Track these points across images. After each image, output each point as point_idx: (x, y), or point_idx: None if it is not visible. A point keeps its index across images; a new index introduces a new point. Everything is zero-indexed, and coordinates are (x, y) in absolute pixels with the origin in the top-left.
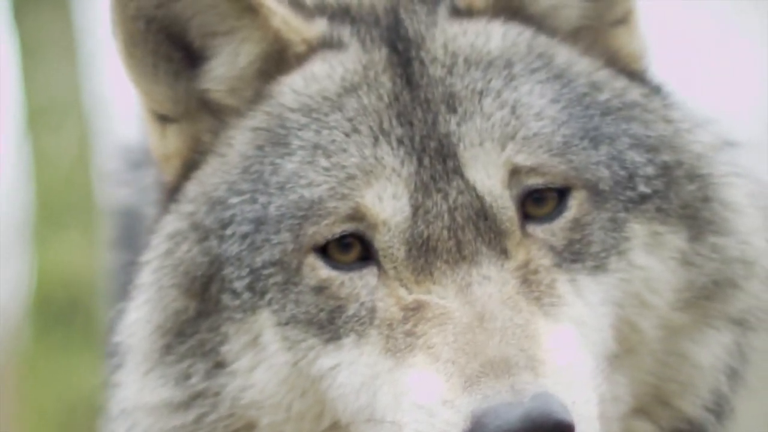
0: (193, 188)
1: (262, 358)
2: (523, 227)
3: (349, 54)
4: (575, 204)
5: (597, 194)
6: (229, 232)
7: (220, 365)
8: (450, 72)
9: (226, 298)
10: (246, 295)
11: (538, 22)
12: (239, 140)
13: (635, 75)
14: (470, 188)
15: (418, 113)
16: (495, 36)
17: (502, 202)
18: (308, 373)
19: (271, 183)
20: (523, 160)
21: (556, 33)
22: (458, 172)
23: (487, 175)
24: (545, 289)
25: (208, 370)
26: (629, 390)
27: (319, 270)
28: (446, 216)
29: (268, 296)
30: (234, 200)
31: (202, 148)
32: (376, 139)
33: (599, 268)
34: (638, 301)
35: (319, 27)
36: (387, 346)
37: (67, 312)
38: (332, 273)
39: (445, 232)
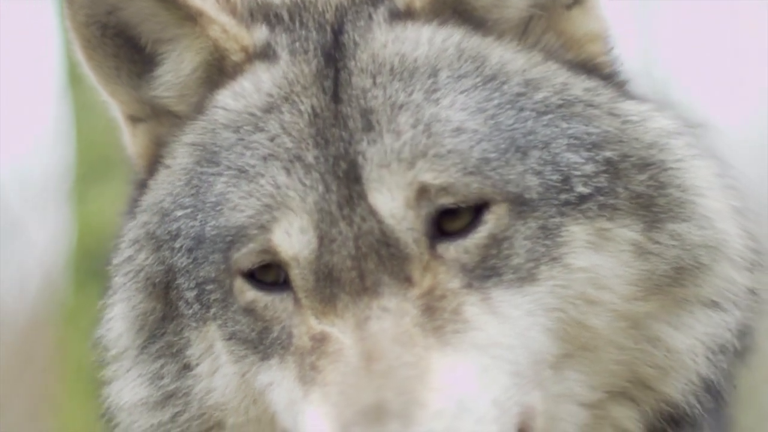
0: (148, 197)
1: (218, 365)
2: (432, 248)
3: (278, 66)
4: (492, 219)
5: (522, 204)
6: (177, 244)
7: (187, 367)
8: (374, 84)
9: (183, 306)
10: (196, 306)
11: (481, 18)
12: (180, 152)
13: (585, 65)
14: (373, 213)
15: (336, 131)
16: (422, 42)
17: (406, 224)
18: (254, 385)
19: (206, 201)
20: (432, 179)
21: (499, 28)
22: (363, 196)
23: (391, 197)
24: (449, 315)
25: (178, 371)
26: (592, 382)
27: (246, 292)
28: (351, 244)
29: (212, 311)
30: (179, 213)
31: (163, 152)
32: (291, 163)
33: (526, 279)
34: (584, 301)
35: (259, 35)
36: (299, 375)
37: (107, 265)
38: (258, 294)
39: (349, 262)
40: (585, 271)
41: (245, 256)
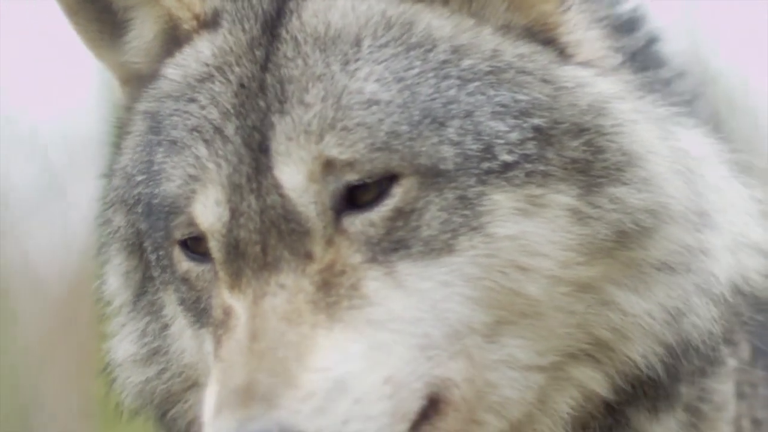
0: (119, 160)
1: (183, 326)
2: (337, 223)
3: (218, 35)
4: (399, 192)
5: (437, 176)
6: (139, 209)
7: (166, 326)
8: (298, 53)
9: (152, 268)
10: (158, 270)
11: None
12: (137, 119)
13: (531, 28)
14: (278, 186)
15: (258, 102)
16: (349, 10)
17: (308, 198)
18: (203, 350)
19: (152, 170)
20: (338, 153)
21: None
22: (270, 169)
23: (296, 170)
24: (346, 291)
25: (160, 329)
26: (539, 347)
27: (182, 262)
28: (257, 218)
29: (166, 275)
30: (138, 179)
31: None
32: (213, 134)
33: (442, 250)
34: (515, 268)
35: (210, 3)
36: (214, 347)
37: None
38: (190, 264)
39: (254, 236)
40: (512, 239)
41: (176, 227)
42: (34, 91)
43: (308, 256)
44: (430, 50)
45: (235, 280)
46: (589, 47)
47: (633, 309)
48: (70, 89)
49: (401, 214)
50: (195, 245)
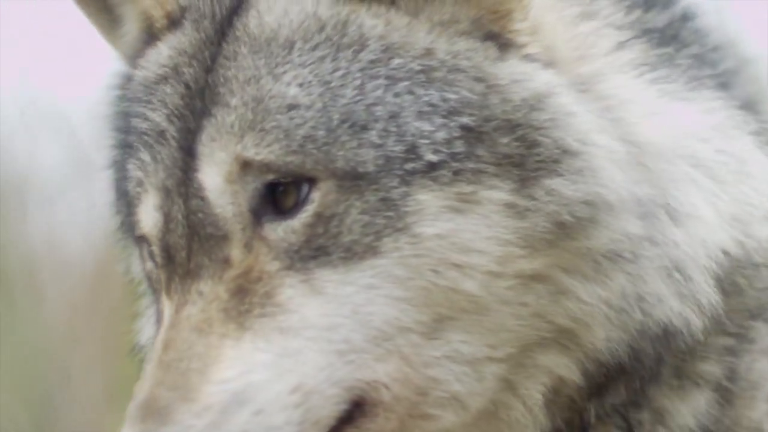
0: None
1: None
2: (259, 227)
3: (178, 34)
4: (318, 196)
5: (356, 179)
6: (124, 204)
7: None
8: (236, 55)
9: None
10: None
11: None
12: (114, 118)
13: (477, 21)
14: (200, 189)
15: (196, 104)
16: (286, 11)
17: (225, 199)
18: None
19: (124, 168)
20: (254, 154)
21: None
22: (196, 171)
23: (216, 171)
24: (259, 299)
25: None
26: (490, 341)
27: (145, 260)
28: (184, 223)
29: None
30: (116, 176)
31: None
32: (157, 137)
33: (366, 253)
34: (449, 266)
35: (182, 2)
36: None
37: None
38: (150, 264)
39: (181, 242)
40: (442, 238)
41: (135, 226)
42: (61, 71)
43: (226, 262)
44: (360, 50)
45: (168, 286)
46: (552, 31)
47: (589, 297)
48: (98, 68)
49: (321, 219)
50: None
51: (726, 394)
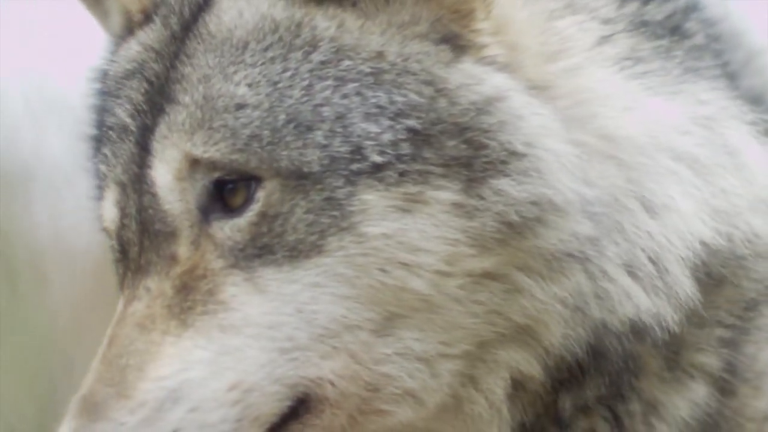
0: None
1: None
2: (207, 224)
3: (146, 30)
4: (263, 195)
5: (301, 178)
6: None
7: None
8: (195, 52)
9: None
10: None
11: None
12: (90, 112)
13: (437, 23)
14: (152, 185)
15: (157, 100)
16: (240, 11)
17: (174, 196)
18: None
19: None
20: (202, 152)
21: None
22: (149, 168)
23: (167, 169)
24: (202, 297)
25: None
26: (442, 338)
27: (114, 252)
28: (138, 218)
29: None
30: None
31: None
32: (120, 133)
33: (311, 251)
34: (396, 265)
35: None
36: None
37: None
38: (118, 256)
39: (134, 237)
40: (388, 237)
41: (99, 221)
42: (67, 60)
43: (173, 258)
44: (311, 52)
45: (122, 281)
46: (519, 29)
47: (544, 296)
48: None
49: (266, 218)
50: None
51: (726, 385)
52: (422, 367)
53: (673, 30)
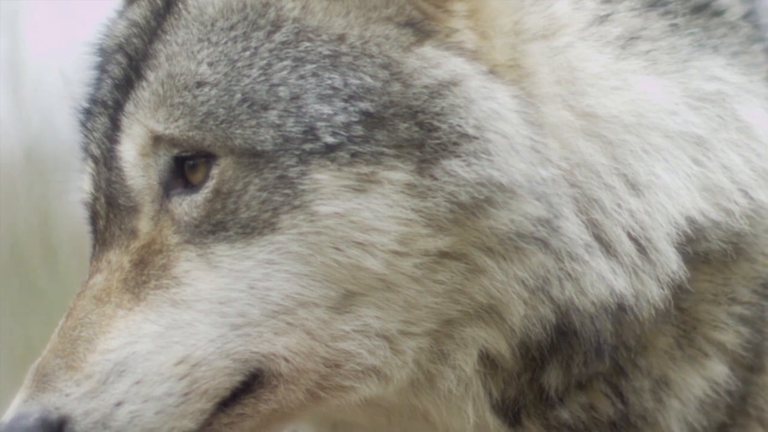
0: None
1: None
2: (167, 200)
3: (135, 6)
4: (217, 173)
5: (254, 156)
6: None
7: None
8: (170, 29)
9: None
10: None
11: None
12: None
13: (400, 8)
14: (118, 160)
15: (131, 76)
16: None
17: (137, 172)
18: None
19: None
20: (163, 129)
21: None
22: (117, 143)
23: (132, 145)
24: (156, 271)
25: None
26: (402, 316)
27: None
28: (106, 192)
29: None
30: None
31: None
32: (100, 108)
33: (264, 229)
34: (350, 244)
35: None
36: None
37: None
38: None
39: (101, 211)
40: (341, 216)
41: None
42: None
43: (133, 233)
44: (273, 32)
45: (92, 256)
46: (497, 10)
47: (504, 276)
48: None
49: (219, 195)
50: None
51: (749, 361)
52: (383, 344)
53: (698, 8)
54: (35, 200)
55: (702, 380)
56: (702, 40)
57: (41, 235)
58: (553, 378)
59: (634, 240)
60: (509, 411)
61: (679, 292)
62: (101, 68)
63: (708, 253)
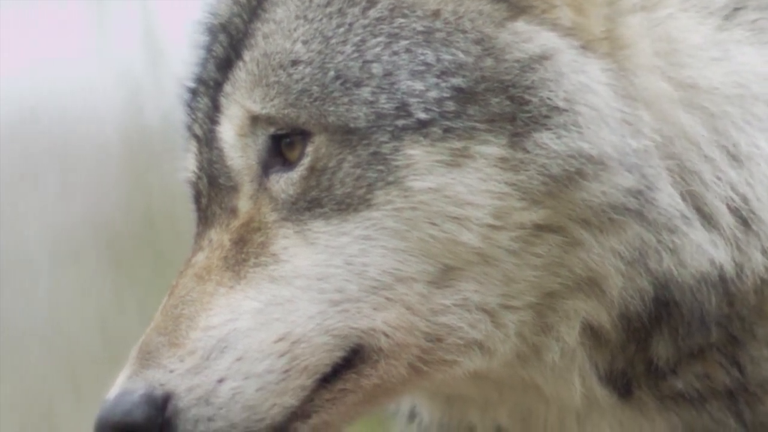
0: None
1: None
2: (266, 178)
3: None
4: (312, 150)
5: (348, 134)
6: None
7: None
8: (270, 7)
9: None
10: None
11: None
12: None
13: None
14: (218, 140)
15: (231, 56)
16: None
17: (236, 152)
18: None
19: None
20: (260, 108)
21: None
22: (217, 123)
23: (230, 125)
24: (255, 249)
25: None
26: (502, 290)
27: None
28: (208, 172)
29: None
30: None
31: None
32: (203, 87)
33: (360, 205)
34: (446, 219)
35: None
36: None
37: None
38: None
39: (204, 190)
40: (435, 191)
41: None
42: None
43: (233, 212)
44: (369, 8)
45: (196, 235)
46: None
47: (600, 248)
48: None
49: (314, 172)
50: None
51: None
52: (484, 318)
53: None
54: (170, 172)
55: None
56: None
57: (173, 207)
58: (661, 349)
59: (735, 211)
60: (618, 382)
61: None
62: (207, 48)
63: None
